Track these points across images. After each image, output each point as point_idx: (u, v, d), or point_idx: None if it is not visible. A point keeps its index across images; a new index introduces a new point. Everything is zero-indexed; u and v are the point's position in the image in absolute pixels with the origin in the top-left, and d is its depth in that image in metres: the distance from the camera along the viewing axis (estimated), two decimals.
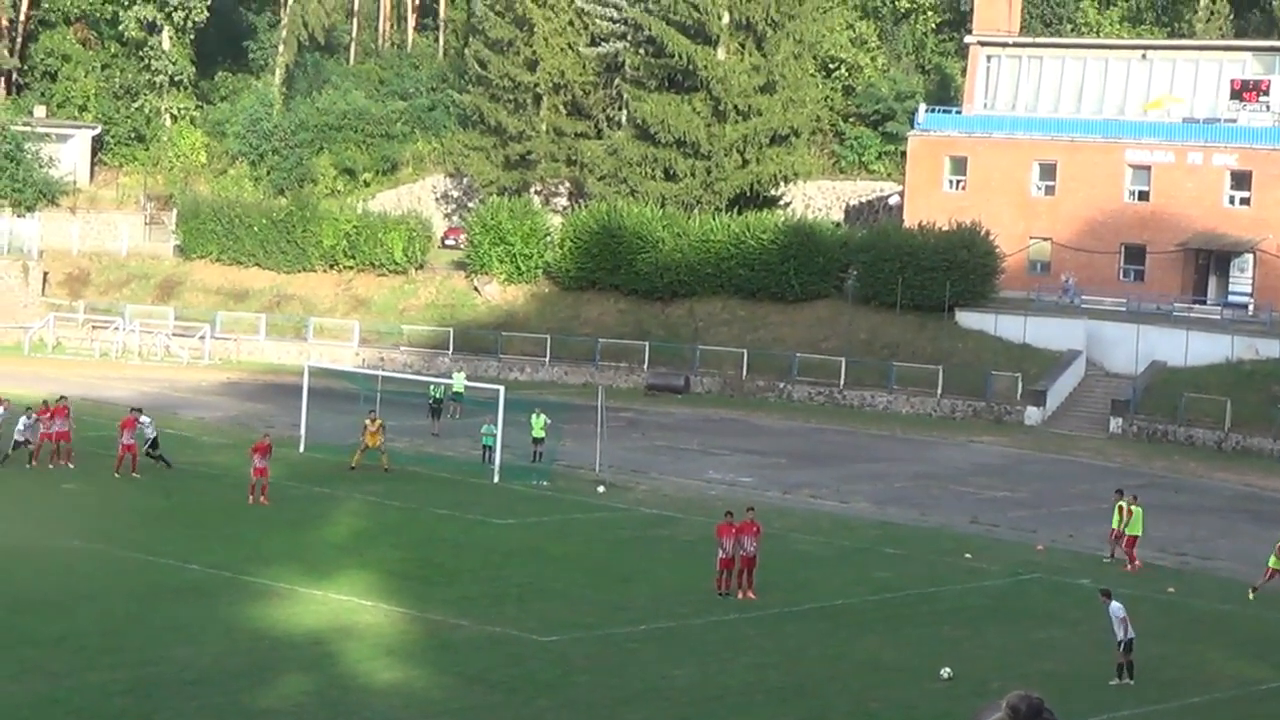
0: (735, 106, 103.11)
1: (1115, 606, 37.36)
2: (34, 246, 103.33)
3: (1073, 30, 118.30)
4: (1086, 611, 44.42)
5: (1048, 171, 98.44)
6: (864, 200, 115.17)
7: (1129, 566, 50.19)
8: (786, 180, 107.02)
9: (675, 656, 37.65)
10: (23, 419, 57.65)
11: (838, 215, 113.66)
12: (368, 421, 61.36)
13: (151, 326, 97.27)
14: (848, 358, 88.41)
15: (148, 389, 80.00)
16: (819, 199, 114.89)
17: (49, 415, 57.95)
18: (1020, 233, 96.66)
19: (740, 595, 43.28)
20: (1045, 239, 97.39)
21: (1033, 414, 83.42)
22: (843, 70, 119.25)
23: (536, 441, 64.55)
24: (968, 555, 51.26)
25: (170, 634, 37.20)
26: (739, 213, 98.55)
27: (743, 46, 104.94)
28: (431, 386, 73.52)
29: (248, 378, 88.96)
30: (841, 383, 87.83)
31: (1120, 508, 51.25)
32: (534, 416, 64.98)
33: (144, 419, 58.29)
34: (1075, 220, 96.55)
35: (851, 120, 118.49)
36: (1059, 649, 40.55)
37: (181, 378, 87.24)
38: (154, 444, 58.18)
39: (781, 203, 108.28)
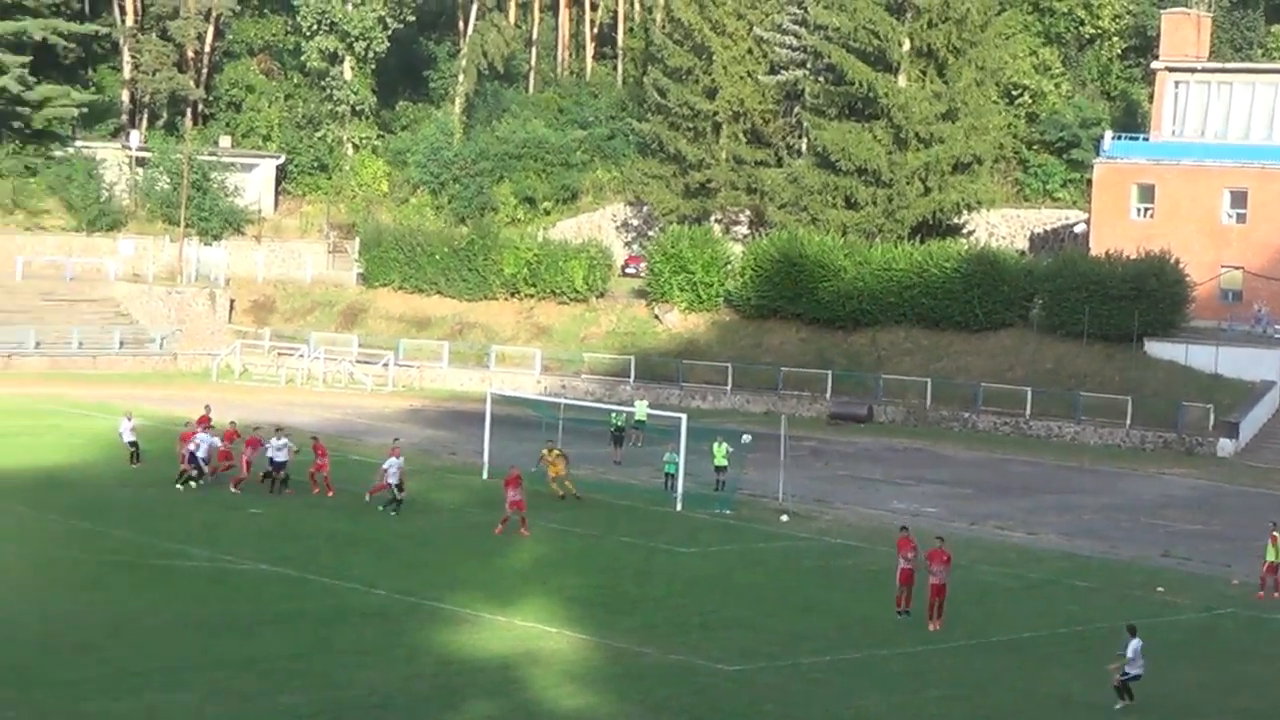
0: (916, 134, 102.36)
1: (1136, 643, 36.15)
2: (221, 274, 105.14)
3: (1263, 55, 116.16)
4: None
5: (1239, 199, 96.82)
6: (1049, 229, 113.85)
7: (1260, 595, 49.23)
8: (969, 208, 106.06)
9: (861, 688, 37.11)
10: (393, 460, 57.10)
11: (1022, 244, 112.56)
12: (545, 452, 61.40)
13: (336, 353, 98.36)
14: (1033, 388, 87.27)
15: (332, 415, 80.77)
16: (1003, 227, 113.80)
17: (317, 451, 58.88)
18: (1210, 261, 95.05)
19: (930, 626, 42.61)
20: (1237, 268, 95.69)
21: (1225, 445, 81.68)
22: (1026, 97, 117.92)
23: (719, 470, 64.15)
24: (1160, 589, 50.21)
25: (357, 658, 37.28)
26: (921, 241, 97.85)
27: (924, 74, 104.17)
28: (613, 414, 73.39)
29: (431, 405, 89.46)
30: (1027, 413, 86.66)
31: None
32: (716, 445, 64.54)
33: (275, 440, 58.72)
34: (1268, 249, 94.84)
35: (1035, 148, 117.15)
36: (1255, 685, 39.52)
37: (365, 404, 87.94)
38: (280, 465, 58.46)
39: (964, 231, 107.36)
